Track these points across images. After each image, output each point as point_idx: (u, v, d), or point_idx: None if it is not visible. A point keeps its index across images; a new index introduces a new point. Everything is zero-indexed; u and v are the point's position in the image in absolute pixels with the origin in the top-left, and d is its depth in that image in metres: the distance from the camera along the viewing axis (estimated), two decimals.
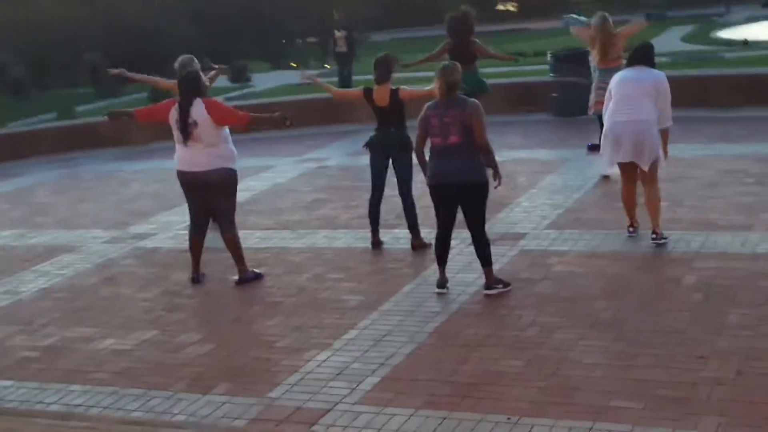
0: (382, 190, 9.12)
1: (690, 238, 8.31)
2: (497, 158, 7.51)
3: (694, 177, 10.32)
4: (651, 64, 8.35)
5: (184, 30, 42.35)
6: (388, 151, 8.92)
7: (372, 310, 7.36)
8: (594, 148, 12.02)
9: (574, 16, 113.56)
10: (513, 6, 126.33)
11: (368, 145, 9.10)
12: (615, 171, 8.73)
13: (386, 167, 9.04)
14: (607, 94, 8.47)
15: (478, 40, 11.81)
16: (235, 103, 17.06)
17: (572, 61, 14.81)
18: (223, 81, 25.41)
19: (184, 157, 8.24)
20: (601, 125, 10.47)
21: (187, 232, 8.88)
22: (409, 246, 8.95)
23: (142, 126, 14.64)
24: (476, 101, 7.44)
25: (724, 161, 10.82)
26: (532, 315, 6.93)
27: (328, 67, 30.64)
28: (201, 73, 8.66)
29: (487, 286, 7.51)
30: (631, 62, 8.42)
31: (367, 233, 9.19)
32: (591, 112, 11.51)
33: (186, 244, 8.84)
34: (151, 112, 8.98)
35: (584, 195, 10.22)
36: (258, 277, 8.47)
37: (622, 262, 7.96)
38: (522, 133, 13.94)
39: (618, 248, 8.29)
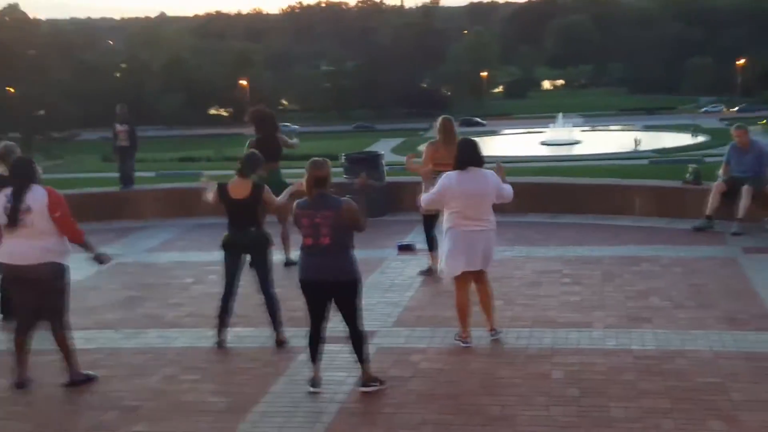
0: (234, 291, 8.75)
1: (539, 334, 8.61)
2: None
3: (514, 277, 10.74)
4: (481, 163, 8.28)
5: None
6: (246, 251, 8.66)
7: (246, 412, 7.08)
8: (404, 248, 12.26)
9: (287, 124, 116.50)
10: (226, 111, 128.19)
11: (223, 246, 8.70)
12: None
13: (241, 266, 8.76)
14: (436, 197, 8.31)
15: (281, 135, 11.71)
16: None
17: (365, 163, 15.11)
18: None
19: (11, 248, 7.60)
20: (427, 224, 10.75)
21: None
22: (257, 344, 8.72)
23: None
24: (350, 200, 7.27)
25: (536, 262, 11.34)
26: (421, 413, 6.93)
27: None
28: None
29: (364, 384, 7.42)
30: (464, 164, 8.21)
31: (207, 331, 8.85)
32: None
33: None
34: None
35: (415, 293, 10.36)
36: (90, 379, 7.89)
37: (485, 358, 8.13)
38: None
39: (474, 345, 8.42)
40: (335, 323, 7.52)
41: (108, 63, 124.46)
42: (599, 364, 7.77)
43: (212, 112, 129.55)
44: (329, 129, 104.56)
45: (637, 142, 75.34)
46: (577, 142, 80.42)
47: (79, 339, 8.77)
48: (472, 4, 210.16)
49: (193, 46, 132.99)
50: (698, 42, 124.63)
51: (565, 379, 7.45)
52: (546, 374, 7.60)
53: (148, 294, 10.95)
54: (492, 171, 8.37)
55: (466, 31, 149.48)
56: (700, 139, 79.48)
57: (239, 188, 8.53)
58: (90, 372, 7.96)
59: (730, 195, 12.69)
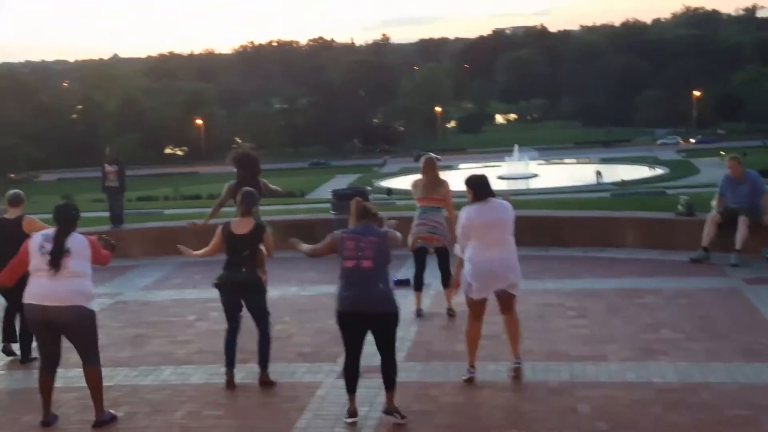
0: (238, 325, 8.79)
1: (555, 368, 8.70)
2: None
3: (518, 310, 10.80)
4: (493, 194, 8.52)
5: None
6: (238, 292, 8.64)
7: None
8: (401, 282, 12.29)
9: None
10: (181, 150, 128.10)
11: (216, 285, 8.73)
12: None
13: (239, 304, 8.74)
14: (461, 236, 8.43)
15: (263, 179, 11.59)
16: None
17: (351, 199, 15.15)
18: None
19: (41, 289, 7.61)
20: (417, 260, 10.84)
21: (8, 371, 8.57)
22: (273, 379, 8.68)
23: None
24: (393, 231, 7.59)
25: (536, 296, 11.43)
26: None
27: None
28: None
29: (389, 411, 7.53)
30: (482, 195, 8.41)
31: (220, 368, 8.85)
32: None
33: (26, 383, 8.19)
34: (18, 265, 7.99)
35: (420, 327, 10.43)
36: (113, 419, 7.87)
37: (505, 392, 8.20)
38: (318, 269, 14.01)
39: (490, 379, 8.49)
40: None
41: (64, 104, 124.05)
42: (623, 397, 7.85)
43: (167, 151, 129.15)
44: (285, 166, 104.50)
45: (599, 174, 75.67)
46: (534, 176, 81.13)
47: None
48: (422, 40, 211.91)
49: (147, 86, 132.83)
50: (647, 74, 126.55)
51: (592, 413, 7.53)
52: (571, 408, 7.67)
53: (154, 332, 10.91)
54: (509, 207, 8.52)
55: (417, 67, 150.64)
56: (659, 171, 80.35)
57: (242, 225, 8.66)
58: (112, 411, 7.94)
59: (725, 226, 12.88)
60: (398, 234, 7.63)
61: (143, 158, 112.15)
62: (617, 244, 14.23)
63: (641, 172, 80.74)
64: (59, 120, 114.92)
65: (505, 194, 9.03)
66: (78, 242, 7.69)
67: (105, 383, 8.69)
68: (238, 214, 8.78)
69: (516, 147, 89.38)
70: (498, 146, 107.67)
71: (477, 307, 8.49)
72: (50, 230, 7.79)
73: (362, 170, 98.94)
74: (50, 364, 7.85)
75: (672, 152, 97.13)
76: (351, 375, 7.57)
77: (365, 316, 7.40)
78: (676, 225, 14.11)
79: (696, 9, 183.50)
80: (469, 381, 8.40)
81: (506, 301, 8.57)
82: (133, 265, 15.17)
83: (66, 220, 7.79)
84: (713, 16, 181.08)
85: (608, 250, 14.08)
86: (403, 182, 73.03)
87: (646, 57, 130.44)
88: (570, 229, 14.77)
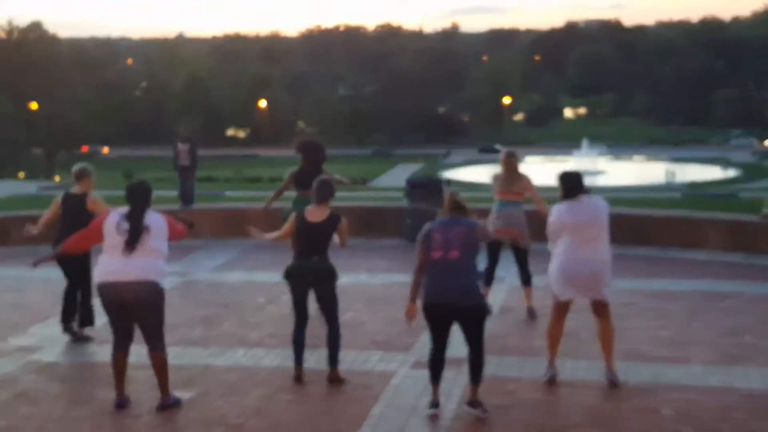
0: (306, 317, 8.54)
1: (636, 369, 8.47)
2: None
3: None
4: (585, 191, 8.22)
5: None
6: (309, 282, 8.36)
7: None
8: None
9: None
10: (243, 132, 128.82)
11: (286, 275, 8.47)
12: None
13: (307, 294, 8.47)
14: (552, 232, 8.18)
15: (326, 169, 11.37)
16: None
17: (426, 188, 15.12)
18: None
19: (116, 266, 7.52)
20: (490, 254, 10.59)
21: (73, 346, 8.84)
22: (345, 367, 8.49)
23: None
24: (484, 223, 7.55)
25: (615, 295, 10.79)
26: None
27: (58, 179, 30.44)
28: None
29: (472, 404, 7.42)
30: (576, 192, 8.11)
31: (291, 353, 8.71)
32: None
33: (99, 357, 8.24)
34: (86, 238, 7.95)
35: (493, 322, 10.16)
36: (177, 403, 7.76)
37: (585, 390, 8.01)
38: (388, 257, 13.93)
39: (568, 376, 8.30)
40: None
41: (128, 82, 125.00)
42: (706, 401, 7.65)
43: (230, 132, 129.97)
44: (347, 153, 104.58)
45: (670, 174, 74.02)
46: (601, 172, 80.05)
47: (170, 355, 8.71)
48: (492, 30, 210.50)
49: (211, 67, 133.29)
50: (724, 73, 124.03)
51: (676, 416, 7.33)
52: (654, 410, 7.47)
53: (225, 313, 10.89)
54: (601, 200, 8.24)
55: (486, 57, 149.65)
56: (731, 173, 78.57)
57: (317, 213, 8.36)
58: (177, 395, 7.84)
59: None
60: (489, 226, 7.52)
61: (205, 139, 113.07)
62: (698, 245, 13.92)
63: (713, 173, 79.01)
64: (123, 97, 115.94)
65: None
66: (156, 220, 7.62)
67: (177, 361, 8.74)
68: (313, 202, 8.48)
69: (585, 141, 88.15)
70: (566, 141, 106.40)
71: (562, 305, 8.25)
72: (125, 209, 7.63)
73: (425, 160, 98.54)
74: (123, 342, 7.74)
75: (746, 154, 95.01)
76: (436, 366, 7.47)
77: (452, 308, 7.29)
78: (761, 228, 13.74)
79: None
80: (551, 381, 8.17)
81: (597, 305, 8.20)
82: (202, 245, 15.17)
83: (142, 198, 7.66)
84: None
85: (687, 251, 13.76)
86: (466, 174, 72.67)
87: (723, 56, 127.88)
88: (649, 228, 14.45)
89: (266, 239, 8.88)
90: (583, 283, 8.04)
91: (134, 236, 7.49)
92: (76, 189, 9.78)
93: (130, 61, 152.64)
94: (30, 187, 53.99)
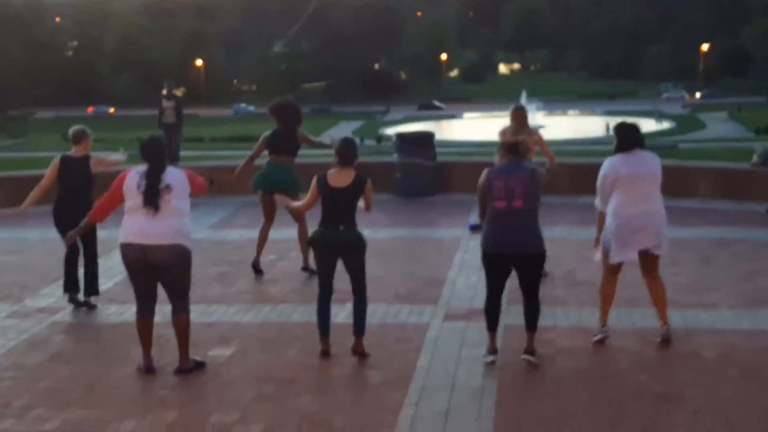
0: (331, 290, 8.04)
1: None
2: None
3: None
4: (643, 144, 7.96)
5: None
6: (336, 251, 7.84)
7: (404, 386, 7.01)
8: (477, 228, 12.16)
9: (242, 105, 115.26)
10: (180, 91, 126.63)
11: (312, 244, 8.03)
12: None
13: (335, 265, 7.91)
14: (601, 188, 7.89)
15: (303, 131, 10.99)
16: None
17: (417, 143, 15.06)
18: None
19: (140, 228, 7.29)
20: None
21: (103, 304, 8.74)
22: (377, 320, 8.51)
23: None
24: (540, 168, 7.55)
25: None
26: (586, 390, 6.92)
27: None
28: None
29: (529, 352, 7.49)
30: (630, 145, 7.86)
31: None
32: None
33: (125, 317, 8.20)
34: (109, 202, 7.64)
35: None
36: (200, 365, 7.61)
37: (622, 337, 8.09)
38: (386, 211, 13.86)
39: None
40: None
41: (58, 41, 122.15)
42: (744, 344, 7.81)
43: (165, 92, 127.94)
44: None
45: (609, 127, 74.91)
46: (541, 127, 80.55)
47: (195, 313, 8.58)
48: None
49: (144, 25, 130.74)
50: (655, 27, 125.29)
51: (719, 359, 7.47)
52: (696, 354, 7.62)
53: (237, 270, 10.82)
54: (654, 153, 8.08)
55: (420, 13, 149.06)
56: (665, 125, 79.66)
57: (340, 177, 7.80)
58: (198, 358, 7.67)
59: None
60: (545, 171, 7.52)
61: (140, 99, 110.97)
62: (687, 194, 14.10)
63: (647, 125, 79.85)
64: (55, 57, 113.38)
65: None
66: (176, 176, 7.37)
67: (203, 320, 8.69)
68: (335, 164, 7.91)
69: (524, 95, 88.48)
70: (503, 96, 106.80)
71: (616, 265, 8.01)
72: (143, 167, 7.36)
73: (365, 117, 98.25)
74: (147, 302, 7.57)
75: (677, 107, 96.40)
76: (493, 313, 7.53)
77: (515, 257, 7.33)
78: (751, 176, 14.02)
79: None
80: (601, 342, 7.99)
81: (649, 261, 8.00)
82: (192, 203, 14.88)
83: (159, 156, 7.39)
84: None
85: (678, 200, 13.89)
86: (406, 130, 72.61)
87: (654, 8, 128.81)
88: None
89: (293, 207, 8.72)
90: (646, 237, 7.84)
91: (155, 196, 7.24)
92: (74, 152, 9.49)
93: (58, 19, 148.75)
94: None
